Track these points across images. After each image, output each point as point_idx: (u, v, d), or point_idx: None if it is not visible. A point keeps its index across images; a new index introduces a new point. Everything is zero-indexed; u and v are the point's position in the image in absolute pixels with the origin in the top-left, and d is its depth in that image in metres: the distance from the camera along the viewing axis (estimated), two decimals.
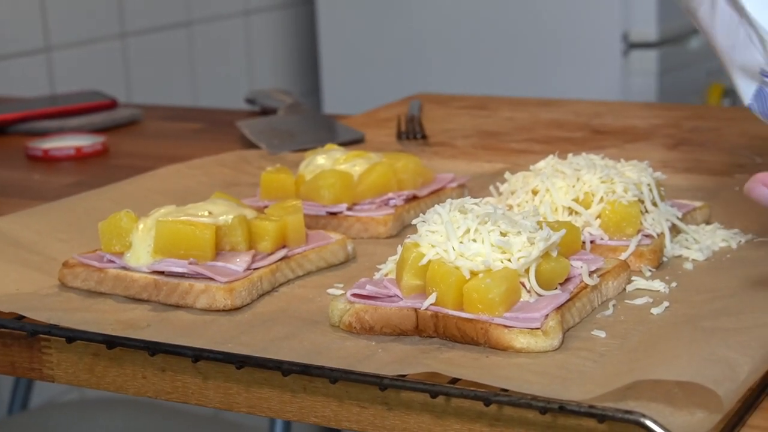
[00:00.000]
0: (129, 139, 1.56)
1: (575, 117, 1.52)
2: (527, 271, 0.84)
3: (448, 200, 0.89)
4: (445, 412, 0.77)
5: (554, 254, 0.86)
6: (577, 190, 0.99)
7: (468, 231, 0.85)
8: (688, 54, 2.55)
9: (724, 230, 1.02)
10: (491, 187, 1.13)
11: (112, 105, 1.67)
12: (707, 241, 1.00)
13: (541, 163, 1.04)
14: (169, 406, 1.91)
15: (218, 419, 2.03)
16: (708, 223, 1.05)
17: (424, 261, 0.85)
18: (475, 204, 0.88)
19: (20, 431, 1.83)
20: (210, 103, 2.57)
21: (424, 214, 1.00)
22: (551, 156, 1.05)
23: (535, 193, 1.00)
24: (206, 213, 0.96)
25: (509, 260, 0.84)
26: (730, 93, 2.64)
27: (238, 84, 2.69)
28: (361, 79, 2.63)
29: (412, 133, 1.43)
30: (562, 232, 0.86)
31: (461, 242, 0.84)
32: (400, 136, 1.43)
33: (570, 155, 1.05)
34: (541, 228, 0.86)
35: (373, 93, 2.56)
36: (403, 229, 1.09)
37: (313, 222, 1.07)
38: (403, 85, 2.49)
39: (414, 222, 0.90)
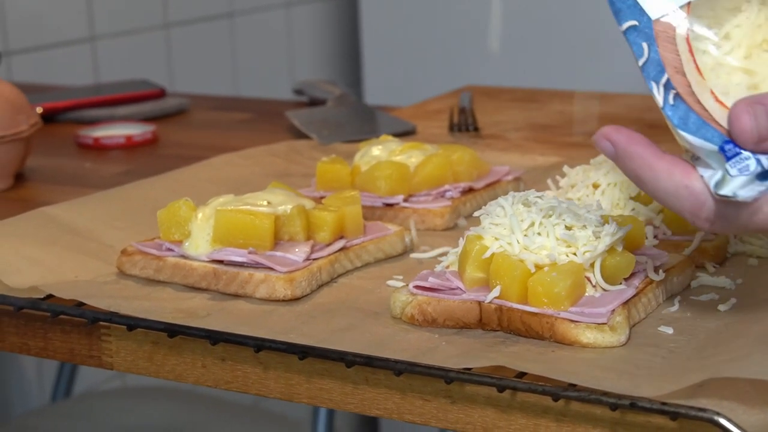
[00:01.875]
0: (177, 128, 1.56)
1: (627, 111, 1.51)
2: (592, 265, 0.83)
3: (511, 193, 0.88)
4: (510, 407, 0.77)
5: (619, 249, 0.85)
6: None
7: (533, 224, 0.84)
8: None
9: None
10: (549, 181, 1.12)
11: (160, 94, 1.67)
12: None
13: (601, 157, 1.03)
14: (209, 396, 1.91)
15: (258, 409, 2.03)
16: None
17: (488, 254, 0.84)
18: (539, 197, 0.87)
19: (63, 418, 1.84)
20: (251, 93, 2.57)
21: (480, 206, 0.99)
22: None
23: (596, 186, 0.99)
24: (265, 203, 0.96)
25: (574, 254, 0.83)
26: None
27: (280, 75, 2.69)
28: (402, 72, 2.62)
29: (464, 125, 1.42)
30: (629, 227, 0.85)
31: (525, 235, 0.83)
32: (452, 128, 1.43)
33: None
34: (606, 222, 0.85)
35: (414, 85, 2.55)
36: (458, 221, 1.08)
37: (368, 213, 1.07)
38: (444, 78, 2.48)
39: (476, 214, 0.89)
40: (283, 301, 0.90)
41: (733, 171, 0.72)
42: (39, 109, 1.56)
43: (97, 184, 1.25)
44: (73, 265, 0.97)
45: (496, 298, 0.82)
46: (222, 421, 1.86)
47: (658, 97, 0.75)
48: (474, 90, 1.65)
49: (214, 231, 0.94)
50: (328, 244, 0.96)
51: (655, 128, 1.42)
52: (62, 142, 1.48)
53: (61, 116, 1.60)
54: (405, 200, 1.08)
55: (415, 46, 2.60)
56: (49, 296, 0.91)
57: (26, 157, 1.29)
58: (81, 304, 0.89)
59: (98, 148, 1.44)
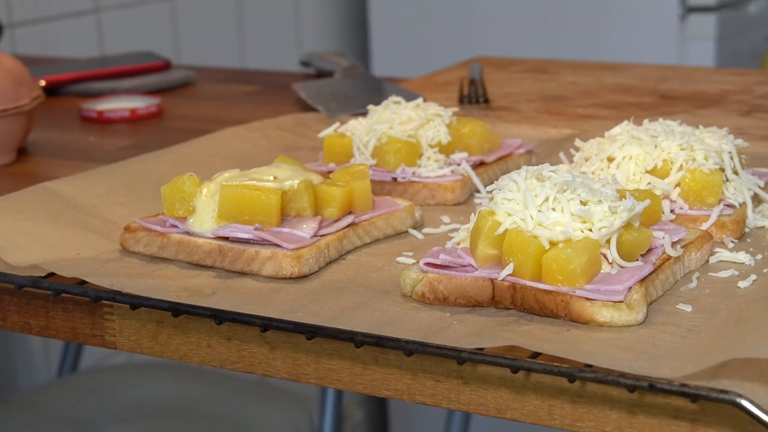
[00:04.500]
0: (183, 101, 1.53)
1: (641, 82, 1.48)
2: (608, 241, 0.81)
3: (524, 167, 0.86)
4: (524, 388, 0.74)
5: (636, 224, 0.82)
6: (655, 157, 0.95)
7: (547, 199, 0.81)
8: (747, 18, 2.49)
9: None
10: (561, 154, 1.09)
11: (165, 66, 1.65)
12: None
13: (616, 129, 1.00)
14: (216, 371, 1.90)
15: (265, 384, 2.02)
16: None
17: (501, 230, 0.81)
18: (553, 171, 0.85)
19: (70, 393, 1.83)
20: (258, 65, 2.54)
21: (492, 181, 0.96)
22: (626, 122, 1.01)
23: (611, 160, 0.96)
24: (271, 177, 0.93)
25: (590, 230, 0.80)
26: None
27: (287, 46, 2.66)
28: (410, 42, 2.59)
29: (474, 97, 1.40)
30: (647, 202, 0.83)
31: (540, 211, 0.81)
32: (462, 100, 1.40)
33: (646, 121, 1.01)
34: (623, 197, 0.82)
35: (422, 56, 2.52)
36: (471, 196, 1.06)
37: (378, 188, 1.04)
38: (453, 49, 2.45)
39: (488, 189, 0.87)
40: (290, 278, 0.88)
41: None
42: (42, 82, 1.54)
43: (101, 159, 1.22)
44: (75, 241, 0.94)
45: (509, 275, 0.80)
46: (229, 396, 1.85)
47: None
48: (484, 61, 1.62)
49: (220, 207, 0.91)
50: (336, 220, 0.93)
51: (668, 98, 1.39)
52: (66, 115, 1.46)
53: (64, 89, 1.57)
54: (414, 175, 1.05)
55: (423, 16, 2.57)
56: (51, 274, 0.89)
57: (29, 131, 1.27)
58: (83, 282, 0.87)
59: (102, 122, 1.42)
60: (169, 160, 1.13)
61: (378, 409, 2.82)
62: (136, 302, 0.84)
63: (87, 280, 0.87)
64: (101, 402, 1.80)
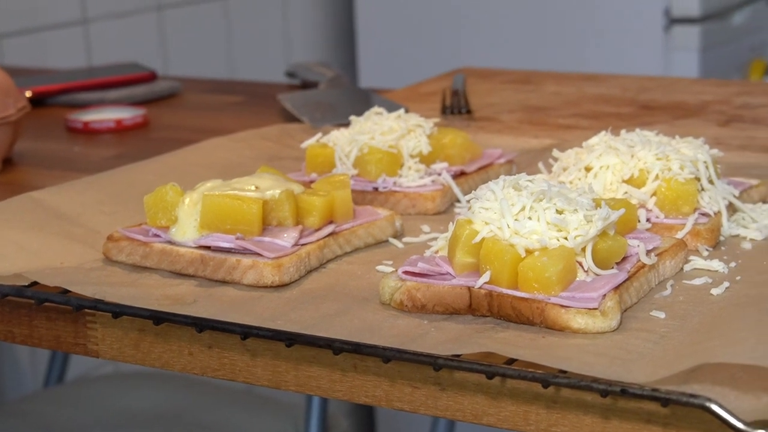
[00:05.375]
0: (169, 112, 1.54)
1: (622, 92, 1.50)
2: (584, 249, 0.82)
3: (502, 177, 0.87)
4: (500, 394, 0.76)
5: (611, 233, 0.84)
6: (631, 167, 0.96)
7: (523, 208, 0.83)
8: (731, 29, 2.51)
9: None
10: (541, 164, 1.10)
11: (151, 77, 1.66)
12: (765, 220, 0.97)
13: (594, 139, 1.01)
14: (202, 380, 1.90)
15: (252, 393, 2.02)
16: (765, 201, 1.02)
17: (478, 238, 0.83)
18: (530, 181, 0.86)
19: (56, 404, 1.83)
20: (247, 76, 2.55)
21: (472, 190, 0.98)
22: (603, 132, 1.02)
23: (588, 170, 0.98)
24: (253, 187, 0.94)
25: (565, 238, 0.82)
26: None
27: (275, 57, 2.67)
28: (397, 53, 2.60)
29: (457, 107, 1.41)
30: (621, 211, 0.84)
31: (516, 220, 0.82)
32: (444, 110, 1.41)
33: (623, 131, 1.02)
34: (598, 206, 0.84)
35: (409, 67, 2.54)
36: (451, 205, 1.07)
37: (359, 197, 1.05)
38: (439, 60, 2.46)
39: (467, 198, 0.88)
40: (271, 287, 0.89)
41: None
42: (28, 93, 1.55)
43: (87, 169, 1.23)
44: (58, 250, 0.95)
45: (486, 283, 0.81)
46: (215, 405, 1.86)
47: None
48: (468, 72, 1.63)
49: (202, 216, 0.93)
50: (317, 229, 0.94)
51: (649, 109, 1.41)
52: (52, 126, 1.47)
53: (51, 100, 1.58)
54: (395, 184, 1.07)
55: (410, 27, 2.58)
56: (35, 283, 0.90)
57: (14, 141, 1.28)
58: (66, 291, 0.88)
59: (88, 132, 1.43)
60: (153, 170, 1.14)
61: (364, 418, 2.83)
62: (118, 311, 0.85)
63: (70, 288, 0.88)
64: (88, 411, 1.80)
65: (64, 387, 1.94)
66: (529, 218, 0.82)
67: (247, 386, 2.16)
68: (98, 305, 0.86)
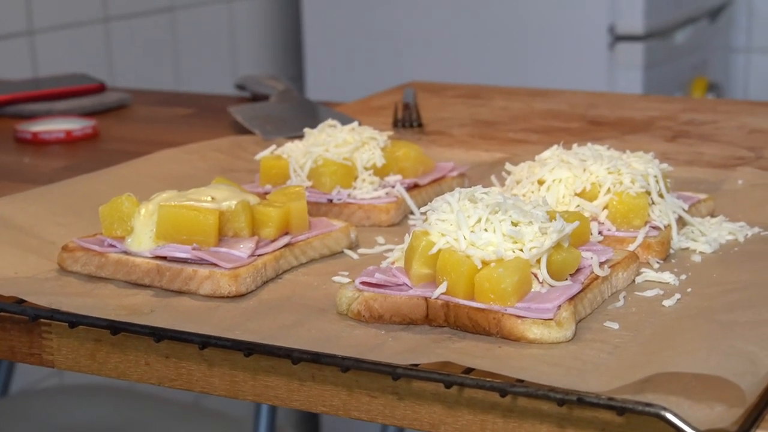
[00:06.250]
0: (119, 123, 1.54)
1: (570, 108, 1.52)
2: (539, 261, 0.83)
3: (457, 189, 0.88)
4: (458, 403, 0.76)
5: (565, 245, 0.85)
6: (583, 180, 0.98)
7: (479, 220, 0.84)
8: (674, 48, 2.54)
9: (730, 223, 1.01)
10: (493, 177, 1.12)
11: (100, 89, 1.65)
12: (714, 233, 0.99)
13: (546, 153, 1.03)
14: (150, 393, 1.89)
15: (199, 407, 2.02)
16: (713, 215, 1.04)
17: (435, 250, 0.84)
18: (485, 193, 0.87)
19: (0, 418, 1.81)
20: (193, 88, 2.55)
21: (425, 203, 0.99)
22: (555, 146, 1.04)
23: (541, 183, 0.99)
24: (209, 198, 0.95)
25: (521, 250, 0.83)
26: (715, 87, 2.64)
27: (222, 69, 2.67)
28: (344, 67, 2.61)
29: (408, 121, 1.42)
30: (576, 223, 0.85)
31: (472, 231, 0.83)
32: (396, 123, 1.42)
33: (575, 146, 1.04)
34: (552, 218, 0.85)
35: (357, 81, 2.55)
36: (405, 217, 1.08)
37: (314, 209, 1.06)
38: (387, 74, 2.47)
39: (422, 210, 0.89)
40: (228, 297, 0.89)
41: None
42: None
43: (37, 180, 1.23)
44: (12, 261, 0.95)
45: (442, 294, 0.82)
46: (163, 419, 1.84)
47: None
48: (418, 86, 1.65)
49: (158, 227, 0.93)
50: (273, 240, 0.95)
51: (597, 124, 1.43)
52: (0, 137, 1.46)
53: None
54: (349, 196, 1.07)
55: (357, 41, 2.59)
56: None
57: None
58: (21, 301, 0.88)
59: (37, 143, 1.42)
60: (106, 181, 1.14)
61: (311, 430, 2.83)
62: (74, 320, 0.85)
63: (25, 298, 0.87)
64: (33, 426, 1.79)
65: (8, 400, 1.91)
66: (485, 230, 0.83)
67: (194, 399, 2.15)
68: (54, 315, 0.86)
